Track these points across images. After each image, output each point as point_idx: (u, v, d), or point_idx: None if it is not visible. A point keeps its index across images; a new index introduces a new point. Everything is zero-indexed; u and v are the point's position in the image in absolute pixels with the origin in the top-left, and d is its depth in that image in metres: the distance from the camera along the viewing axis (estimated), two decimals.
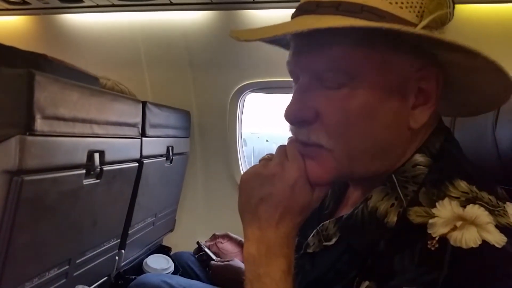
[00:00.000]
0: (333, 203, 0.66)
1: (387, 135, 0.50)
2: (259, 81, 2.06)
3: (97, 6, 2.00)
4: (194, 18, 2.01)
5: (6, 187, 0.81)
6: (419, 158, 0.51)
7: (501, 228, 0.41)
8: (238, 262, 1.36)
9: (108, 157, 1.13)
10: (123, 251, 1.45)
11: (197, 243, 1.50)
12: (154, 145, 1.54)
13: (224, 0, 1.88)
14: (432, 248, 0.41)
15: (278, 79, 2.01)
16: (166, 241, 2.04)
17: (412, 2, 0.47)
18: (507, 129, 0.70)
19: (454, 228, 0.41)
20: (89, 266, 1.21)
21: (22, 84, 0.80)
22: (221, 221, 2.08)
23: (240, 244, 1.52)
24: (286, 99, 2.17)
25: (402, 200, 0.49)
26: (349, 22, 0.44)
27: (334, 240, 0.55)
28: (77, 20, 2.14)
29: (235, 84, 2.08)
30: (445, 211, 0.44)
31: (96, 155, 1.07)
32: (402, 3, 0.46)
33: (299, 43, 0.51)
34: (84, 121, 1.00)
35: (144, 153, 1.43)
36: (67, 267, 1.08)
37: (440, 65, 0.50)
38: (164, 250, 1.93)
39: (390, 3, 0.46)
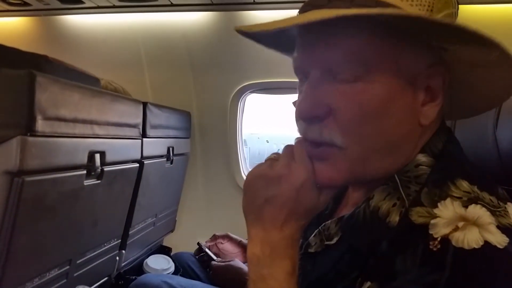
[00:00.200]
0: (332, 203, 0.66)
1: (401, 131, 0.50)
2: (260, 82, 2.06)
3: (98, 7, 2.00)
4: (194, 19, 2.01)
5: (7, 187, 0.81)
6: (421, 158, 0.51)
7: (502, 228, 0.41)
8: (238, 263, 1.36)
9: (109, 157, 1.13)
10: (123, 251, 1.45)
11: (198, 243, 1.50)
12: (154, 146, 1.55)
13: (224, 1, 1.88)
14: (434, 249, 0.41)
15: (279, 79, 2.01)
16: (166, 242, 2.04)
17: (422, 0, 0.47)
18: (507, 129, 0.70)
19: (456, 229, 0.41)
20: (89, 267, 1.21)
21: (23, 85, 0.80)
22: (222, 222, 2.09)
23: (240, 245, 1.52)
24: (286, 99, 2.18)
25: (404, 200, 0.49)
26: (369, 11, 0.43)
27: (335, 239, 0.55)
28: (78, 21, 2.14)
29: (236, 85, 2.08)
30: (447, 211, 0.43)
31: (97, 156, 1.07)
32: (412, 0, 0.47)
33: (309, 37, 0.50)
34: (85, 122, 1.00)
35: (145, 153, 1.43)
36: (68, 267, 1.09)
37: (446, 63, 0.50)
38: (164, 250, 1.93)
39: (401, 0, 0.46)
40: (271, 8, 1.89)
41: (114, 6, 1.99)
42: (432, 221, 0.43)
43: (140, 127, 1.39)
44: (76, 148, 0.99)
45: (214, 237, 1.57)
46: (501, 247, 0.40)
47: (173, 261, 1.65)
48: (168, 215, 1.94)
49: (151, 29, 2.08)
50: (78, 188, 1.02)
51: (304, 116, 0.50)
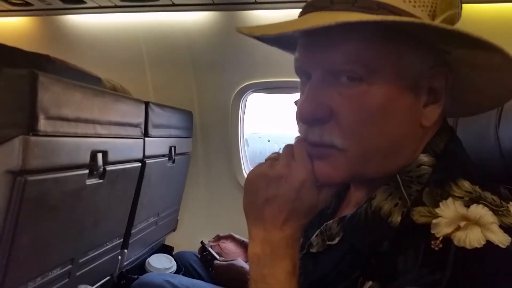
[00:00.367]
0: (334, 203, 0.66)
1: (402, 134, 0.50)
2: (261, 81, 2.06)
3: (99, 7, 2.00)
4: (196, 18, 2.01)
5: (10, 187, 0.81)
6: (423, 158, 0.51)
7: (505, 228, 0.41)
8: (241, 262, 1.36)
9: (111, 157, 1.13)
10: (125, 250, 1.45)
11: (201, 242, 1.50)
12: (156, 145, 1.55)
13: (226, 1, 1.88)
14: (436, 249, 0.41)
15: (280, 79, 2.01)
16: (168, 241, 2.05)
17: (424, 1, 0.47)
18: (510, 128, 0.70)
19: (458, 228, 0.41)
20: (91, 266, 1.21)
21: (26, 84, 0.81)
22: (223, 221, 2.09)
23: (242, 245, 1.52)
24: (288, 99, 2.18)
25: (406, 200, 0.49)
26: (372, 17, 0.43)
27: (337, 239, 0.55)
28: (80, 21, 2.15)
29: (237, 84, 2.08)
30: (448, 211, 0.43)
31: (99, 155, 1.07)
32: (415, 2, 0.47)
33: (311, 39, 0.50)
34: (87, 121, 1.01)
35: (147, 153, 1.43)
36: (70, 266, 1.09)
37: (449, 64, 0.50)
38: (166, 249, 1.93)
39: (404, 1, 0.46)
40: (273, 7, 1.88)
41: (116, 6, 1.99)
42: (434, 221, 0.43)
43: (142, 126, 1.39)
44: (78, 148, 0.99)
45: (218, 238, 1.57)
46: (503, 246, 0.40)
47: (175, 260, 1.65)
48: (170, 214, 1.94)
49: (152, 29, 2.08)
50: (80, 187, 1.02)
51: (305, 119, 0.50)
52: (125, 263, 1.49)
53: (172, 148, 1.73)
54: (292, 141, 0.55)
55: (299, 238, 0.54)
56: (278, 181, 0.51)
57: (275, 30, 0.47)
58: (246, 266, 1.30)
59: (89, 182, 1.05)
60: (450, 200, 0.45)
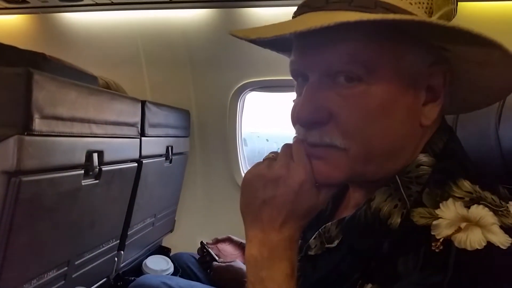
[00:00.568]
0: (332, 204, 0.65)
1: (402, 133, 0.49)
2: (259, 80, 2.05)
3: (96, 4, 1.99)
4: (193, 16, 2.00)
5: (4, 187, 0.80)
6: (422, 158, 0.51)
7: (505, 228, 0.41)
8: (239, 264, 1.35)
9: (107, 157, 1.12)
10: (122, 252, 1.44)
11: (201, 243, 1.49)
12: (153, 145, 1.54)
13: None
14: (437, 250, 0.41)
15: (278, 77, 2.00)
16: (165, 242, 2.04)
17: None
18: (510, 127, 0.70)
19: (459, 230, 0.41)
20: (88, 268, 1.20)
21: (20, 83, 0.80)
22: (221, 221, 2.08)
23: (241, 247, 1.51)
24: (286, 98, 2.17)
25: (405, 201, 0.48)
26: (371, 16, 0.42)
27: (336, 242, 0.55)
28: (76, 18, 2.13)
29: (235, 83, 2.07)
30: (449, 212, 0.43)
31: (95, 155, 1.06)
32: None
33: (306, 41, 0.49)
34: (82, 120, 1.00)
35: (144, 153, 1.42)
36: (66, 268, 1.08)
37: (447, 61, 0.49)
38: (163, 251, 1.92)
39: None
40: (271, 5, 1.88)
41: (112, 3, 1.97)
42: (434, 222, 0.43)
43: (139, 126, 1.38)
44: (74, 148, 0.98)
45: (216, 241, 1.56)
46: (504, 247, 0.39)
47: (172, 261, 1.64)
48: (167, 215, 1.93)
49: (149, 27, 2.07)
50: (76, 188, 1.01)
51: (303, 122, 0.50)
52: (121, 265, 1.48)
53: (169, 148, 1.72)
54: (290, 140, 0.54)
55: (297, 240, 0.53)
56: (276, 182, 0.50)
57: (271, 33, 0.46)
58: (244, 267, 1.29)
59: (85, 182, 1.04)
60: (450, 201, 0.44)
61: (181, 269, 1.57)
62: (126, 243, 1.46)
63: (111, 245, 1.34)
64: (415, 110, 0.49)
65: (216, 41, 2.00)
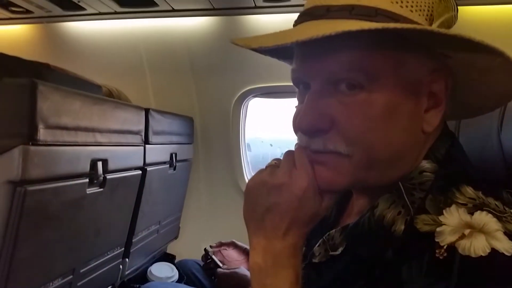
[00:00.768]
0: (336, 211, 0.65)
1: (405, 139, 0.49)
2: (262, 86, 2.06)
3: (100, 13, 2.01)
4: (196, 24, 2.01)
5: (10, 197, 0.81)
6: (425, 164, 0.51)
7: (509, 235, 0.40)
8: (244, 270, 1.35)
9: (111, 165, 1.13)
10: (127, 259, 1.45)
11: (205, 250, 1.49)
12: (157, 152, 1.54)
13: (225, 6, 1.89)
14: (440, 257, 0.40)
15: (281, 84, 2.01)
16: (170, 249, 2.03)
17: (421, 6, 0.47)
18: None
19: (462, 236, 0.41)
20: (93, 276, 1.20)
21: (25, 94, 0.80)
22: (226, 228, 2.07)
23: (245, 252, 1.51)
24: (289, 103, 2.18)
25: (409, 208, 0.48)
26: (372, 25, 0.42)
27: (340, 249, 0.54)
28: (80, 28, 2.15)
29: (238, 90, 2.08)
30: (452, 218, 0.43)
31: (99, 164, 1.07)
32: (412, 6, 0.46)
33: (308, 50, 0.49)
34: (86, 129, 1.00)
35: (148, 160, 1.43)
36: (71, 276, 1.08)
37: (449, 68, 0.49)
38: (168, 258, 1.92)
39: (401, 6, 0.46)
40: (273, 12, 1.89)
41: (115, 12, 1.99)
42: (438, 229, 0.42)
43: (143, 133, 1.39)
44: (78, 156, 0.99)
45: (220, 244, 1.56)
46: (508, 254, 0.39)
47: (177, 268, 1.64)
48: (172, 222, 1.93)
49: (152, 35, 2.08)
50: (80, 196, 1.02)
51: (306, 130, 0.50)
52: (126, 272, 1.48)
53: (173, 155, 1.73)
54: (294, 145, 0.54)
55: (301, 247, 0.53)
56: (279, 189, 0.50)
57: (272, 42, 0.46)
58: (249, 274, 1.29)
59: (90, 191, 1.05)
60: (453, 207, 0.44)
61: (186, 276, 1.57)
62: (131, 251, 1.46)
63: (116, 252, 1.34)
64: (417, 117, 0.49)
65: (219, 48, 2.01)
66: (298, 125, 0.50)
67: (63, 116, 0.90)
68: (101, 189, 1.10)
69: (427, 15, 0.47)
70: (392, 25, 0.43)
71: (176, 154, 1.75)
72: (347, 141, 0.47)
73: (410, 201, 0.48)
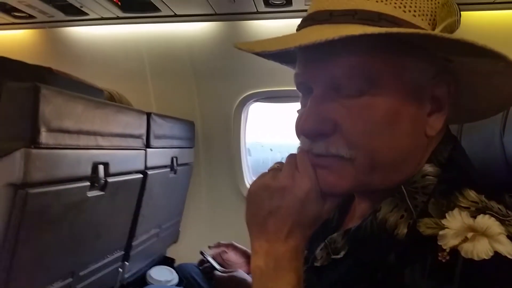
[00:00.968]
0: (338, 215, 0.65)
1: (407, 143, 0.49)
2: (263, 91, 2.06)
3: (102, 18, 2.02)
4: (198, 29, 2.02)
5: (11, 200, 0.81)
6: (428, 168, 0.51)
7: None
8: (242, 274, 1.34)
9: (112, 169, 1.13)
10: (126, 263, 1.44)
11: (201, 252, 1.48)
12: (158, 156, 1.54)
13: (227, 11, 1.90)
14: (443, 261, 0.40)
15: (282, 88, 2.01)
16: (170, 253, 2.03)
17: (424, 10, 0.47)
18: None
19: (465, 240, 0.41)
20: (92, 279, 1.20)
21: (28, 97, 0.81)
22: (226, 232, 2.06)
23: (245, 255, 1.50)
24: (290, 108, 2.18)
25: (411, 212, 0.48)
26: (376, 30, 0.42)
27: (342, 253, 0.54)
28: (82, 32, 2.16)
29: (239, 94, 2.09)
30: (455, 222, 0.43)
31: (101, 167, 1.07)
32: (415, 11, 0.46)
33: (312, 54, 0.49)
34: (88, 133, 1.00)
35: (149, 164, 1.43)
36: (71, 279, 1.08)
37: (451, 72, 0.49)
38: (168, 261, 1.92)
39: (404, 11, 0.46)
40: (274, 17, 1.89)
41: (118, 18, 2.00)
42: (441, 232, 0.42)
43: (144, 137, 1.39)
44: (80, 160, 0.99)
45: (218, 244, 1.55)
46: (511, 257, 0.39)
47: (177, 272, 1.64)
48: (172, 226, 1.93)
49: (154, 40, 2.09)
50: (81, 200, 1.02)
51: (308, 134, 0.50)
52: (126, 276, 1.48)
53: (174, 159, 1.73)
54: (294, 149, 0.54)
55: (303, 250, 0.53)
56: (281, 193, 0.50)
57: (274, 46, 0.46)
58: (247, 277, 1.28)
59: (91, 194, 1.05)
60: (456, 210, 0.44)
61: (185, 279, 1.56)
62: (131, 254, 1.46)
63: (115, 256, 1.34)
64: (419, 121, 0.49)
65: (220, 53, 2.02)
66: (301, 129, 0.50)
67: (65, 119, 0.90)
68: (102, 193, 1.10)
69: (430, 20, 0.47)
70: (394, 29, 0.43)
71: (177, 158, 1.75)
72: (350, 145, 0.48)
73: (412, 204, 0.48)
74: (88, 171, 1.02)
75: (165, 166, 1.64)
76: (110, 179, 1.12)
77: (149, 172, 1.43)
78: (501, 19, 1.69)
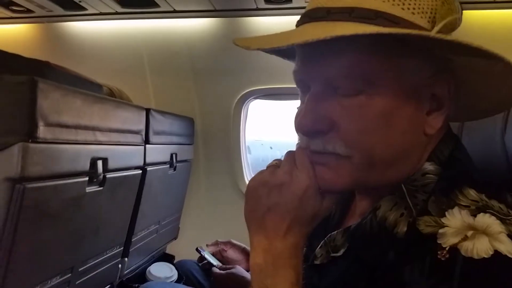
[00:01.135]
0: (339, 213, 0.65)
1: (405, 142, 0.49)
2: (263, 88, 2.06)
3: (101, 13, 2.01)
4: (197, 25, 2.01)
5: (9, 194, 0.80)
6: (428, 166, 0.50)
7: None
8: (241, 270, 1.34)
9: (111, 164, 1.12)
10: (126, 259, 1.44)
11: (197, 250, 1.47)
12: (157, 152, 1.54)
13: (227, 8, 1.89)
14: (443, 259, 0.40)
15: (282, 85, 2.01)
16: (169, 249, 2.03)
17: (424, 8, 0.46)
18: None
19: (465, 238, 0.41)
20: (92, 274, 1.20)
21: (25, 91, 0.80)
22: (225, 229, 2.07)
23: (243, 251, 1.50)
24: (290, 105, 2.18)
25: (411, 210, 0.48)
26: (368, 29, 0.43)
27: (342, 251, 0.54)
28: (81, 27, 2.16)
29: (239, 91, 2.08)
30: (455, 220, 0.43)
31: (99, 163, 1.07)
32: (414, 8, 0.46)
33: (309, 51, 0.49)
34: (87, 128, 1.00)
35: (148, 160, 1.43)
36: (70, 275, 1.08)
37: (451, 70, 0.49)
38: (167, 258, 1.92)
39: (403, 9, 0.45)
40: (274, 14, 1.89)
41: (116, 13, 1.99)
42: (440, 231, 0.42)
43: (143, 133, 1.38)
44: (78, 155, 0.98)
45: (216, 243, 1.55)
46: (511, 256, 0.39)
47: (176, 269, 1.64)
48: (171, 222, 1.93)
49: (154, 36, 2.08)
50: (80, 195, 1.01)
51: (306, 131, 0.50)
52: (125, 272, 1.48)
53: (173, 155, 1.73)
54: (294, 147, 0.54)
55: (302, 247, 0.53)
56: (280, 189, 0.50)
57: (270, 44, 0.47)
58: (246, 274, 1.28)
59: (89, 189, 1.05)
60: (456, 209, 0.44)
61: (185, 276, 1.56)
62: (130, 250, 1.46)
63: (115, 252, 1.34)
64: (417, 119, 0.49)
65: (220, 49, 2.01)
66: (298, 126, 0.50)
67: (64, 114, 0.90)
68: (101, 188, 1.10)
69: (429, 18, 0.47)
70: (387, 30, 0.43)
71: (176, 155, 1.75)
72: (346, 143, 0.48)
73: (412, 203, 0.48)
74: (86, 166, 1.02)
75: (164, 163, 1.64)
76: (109, 175, 1.12)
77: (148, 168, 1.43)
78: (502, 19, 1.68)
